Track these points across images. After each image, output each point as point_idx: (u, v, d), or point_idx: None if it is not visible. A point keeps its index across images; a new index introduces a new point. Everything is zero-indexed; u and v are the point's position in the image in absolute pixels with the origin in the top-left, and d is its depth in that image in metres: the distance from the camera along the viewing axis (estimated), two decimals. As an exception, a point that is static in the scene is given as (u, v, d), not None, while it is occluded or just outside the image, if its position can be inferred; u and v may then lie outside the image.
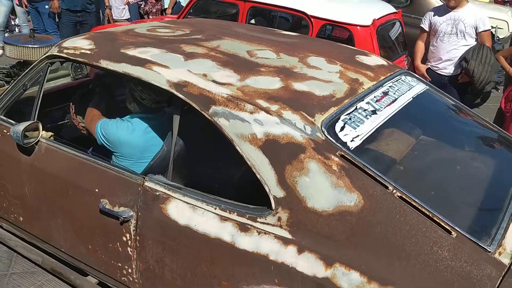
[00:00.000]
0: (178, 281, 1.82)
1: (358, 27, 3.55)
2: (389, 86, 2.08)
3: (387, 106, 1.92)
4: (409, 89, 2.14)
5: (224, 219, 1.68)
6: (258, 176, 1.63)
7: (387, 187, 1.51)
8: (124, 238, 1.88)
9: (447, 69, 3.81)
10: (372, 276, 1.44)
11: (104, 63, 1.91)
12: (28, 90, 2.19)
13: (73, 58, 2.00)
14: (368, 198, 1.51)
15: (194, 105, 1.73)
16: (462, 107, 2.39)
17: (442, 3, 4.61)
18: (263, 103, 1.68)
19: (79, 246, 2.09)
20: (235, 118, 1.67)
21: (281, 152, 1.61)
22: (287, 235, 1.58)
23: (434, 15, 3.83)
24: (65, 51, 2.02)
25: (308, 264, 1.52)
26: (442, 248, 1.42)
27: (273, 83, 1.81)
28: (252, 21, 4.55)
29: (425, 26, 3.90)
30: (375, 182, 1.52)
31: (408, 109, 2.00)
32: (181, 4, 6.66)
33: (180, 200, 1.76)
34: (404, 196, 1.50)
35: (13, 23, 6.86)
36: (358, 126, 1.73)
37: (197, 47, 2.06)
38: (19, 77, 2.14)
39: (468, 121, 2.33)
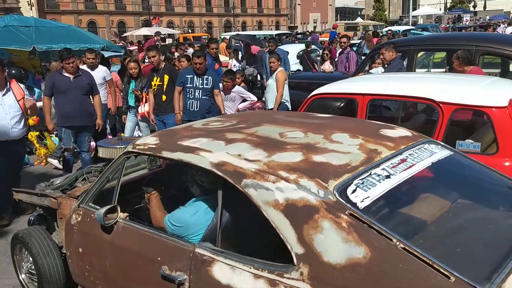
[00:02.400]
0: (224, 336, 2.05)
1: (493, 108, 3.34)
2: (409, 154, 2.30)
3: (402, 171, 2.14)
4: (430, 155, 2.34)
5: (257, 276, 1.94)
6: (282, 236, 1.91)
7: (391, 240, 1.71)
8: (180, 299, 2.20)
9: None
10: (380, 320, 1.59)
11: (164, 153, 2.42)
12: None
13: (143, 152, 2.54)
14: (374, 250, 1.71)
15: (229, 179, 2.11)
16: (485, 169, 2.49)
17: None
18: (283, 173, 2.02)
19: (148, 310, 2.43)
20: (261, 188, 2.01)
21: (299, 214, 1.89)
22: (309, 287, 1.80)
23: None
24: (137, 147, 2.57)
25: (327, 312, 1.71)
26: (441, 291, 1.55)
27: (295, 157, 2.14)
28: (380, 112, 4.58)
29: None
30: (381, 236, 1.73)
31: (426, 173, 2.19)
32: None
33: (223, 262, 2.07)
34: (406, 247, 1.68)
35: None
36: (370, 189, 1.97)
37: (238, 133, 2.50)
38: (103, 172, 2.72)
39: (488, 181, 2.42)
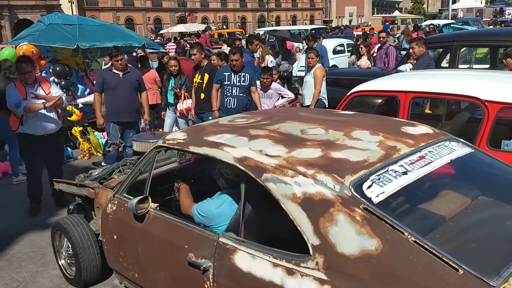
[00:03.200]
0: (245, 320, 2.19)
1: None
2: (428, 151, 2.35)
3: (420, 168, 2.19)
4: (449, 152, 2.38)
5: (276, 265, 2.06)
6: (299, 228, 2.01)
7: (403, 233, 1.78)
8: (206, 285, 2.34)
9: None
10: (389, 309, 1.67)
11: (191, 148, 2.57)
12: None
13: (172, 146, 2.70)
14: (386, 242, 1.79)
15: (251, 174, 2.23)
16: (506, 167, 2.49)
17: None
18: (302, 168, 2.12)
19: (176, 295, 2.60)
20: (280, 182, 2.12)
21: (315, 207, 1.99)
22: (323, 276, 1.90)
23: None
24: (167, 142, 2.74)
25: (339, 301, 1.80)
26: (449, 283, 1.61)
27: (314, 153, 2.24)
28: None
29: None
30: (393, 229, 1.80)
31: (444, 169, 2.24)
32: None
33: (244, 251, 2.20)
34: (418, 241, 1.75)
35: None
36: (386, 184, 2.04)
37: (261, 130, 2.61)
38: (136, 164, 2.91)
39: (508, 178, 2.43)
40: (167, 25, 47.66)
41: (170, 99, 6.74)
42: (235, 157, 2.33)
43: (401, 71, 6.59)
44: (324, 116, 3.02)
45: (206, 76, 6.10)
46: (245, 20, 60.18)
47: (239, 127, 2.73)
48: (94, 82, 6.26)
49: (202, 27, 31.16)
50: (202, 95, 6.11)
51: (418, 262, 1.71)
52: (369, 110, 4.96)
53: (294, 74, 11.24)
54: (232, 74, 5.69)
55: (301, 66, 10.57)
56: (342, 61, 13.33)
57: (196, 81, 6.22)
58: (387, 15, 44.21)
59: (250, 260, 2.15)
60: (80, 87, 7.93)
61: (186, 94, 6.56)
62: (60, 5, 41.05)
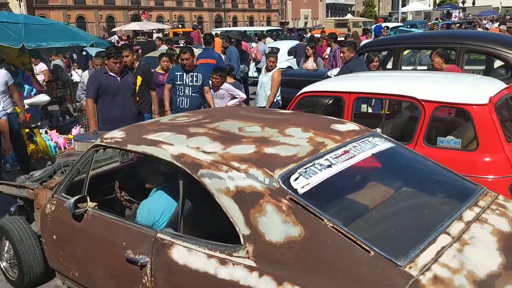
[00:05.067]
0: (182, 312, 2.27)
1: (474, 106, 3.45)
2: (353, 146, 2.52)
3: (343, 161, 2.36)
4: (372, 147, 2.57)
5: (210, 256, 2.16)
6: (231, 220, 2.12)
7: (323, 220, 1.93)
8: (144, 280, 2.40)
9: None
10: (309, 290, 1.82)
11: (129, 146, 2.62)
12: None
13: (110, 145, 2.74)
14: (308, 229, 1.94)
15: (187, 170, 2.32)
16: (425, 160, 2.72)
17: None
18: (235, 164, 2.23)
19: (116, 292, 2.64)
20: (215, 177, 2.22)
21: (247, 199, 2.11)
22: (253, 264, 2.02)
23: None
24: (105, 141, 2.77)
25: (265, 285, 1.93)
26: (362, 264, 1.78)
27: (248, 149, 2.36)
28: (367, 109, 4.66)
29: None
30: (314, 216, 1.95)
31: (365, 162, 2.42)
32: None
33: (181, 245, 2.28)
34: (335, 226, 1.90)
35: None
36: (311, 176, 2.19)
37: (200, 128, 2.71)
38: (74, 164, 2.92)
39: (423, 170, 2.67)
40: (120, 23, 46.58)
41: None
42: (173, 155, 2.41)
43: (329, 76, 6.89)
44: (264, 115, 3.15)
45: (139, 79, 5.86)
46: (202, 20, 59.81)
47: (179, 126, 2.81)
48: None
49: (156, 26, 30.78)
50: (137, 98, 5.76)
51: (335, 245, 1.86)
52: (317, 110, 5.16)
53: (250, 74, 11.40)
54: (184, 74, 5.71)
55: (255, 67, 10.76)
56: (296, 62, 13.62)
57: None
58: (340, 18, 45.44)
59: (186, 253, 2.24)
60: (26, 87, 7.71)
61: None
62: (8, 3, 39.24)
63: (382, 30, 17.01)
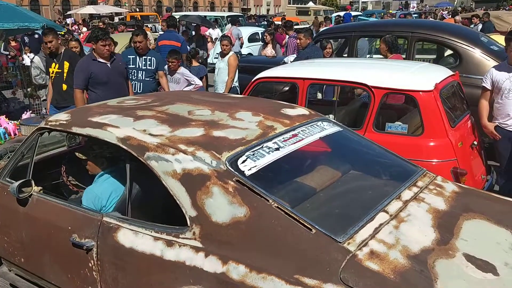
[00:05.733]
0: (128, 295, 2.27)
1: (421, 92, 3.58)
2: (301, 130, 2.57)
3: (291, 144, 2.40)
4: (320, 131, 2.62)
5: (156, 239, 2.15)
6: (178, 202, 2.12)
7: (268, 200, 1.97)
8: (90, 264, 2.37)
9: None
10: (253, 267, 1.86)
11: (74, 129, 2.56)
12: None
13: (54, 128, 2.66)
14: (253, 209, 1.97)
15: (133, 153, 2.29)
16: (370, 144, 2.82)
17: (491, 59, 4.89)
18: (183, 146, 2.22)
19: (62, 276, 2.59)
20: (162, 160, 2.21)
21: (193, 182, 2.11)
22: (198, 245, 2.03)
23: (496, 74, 3.97)
24: (49, 123, 2.69)
25: (211, 264, 1.95)
26: (303, 241, 1.84)
27: (196, 132, 2.35)
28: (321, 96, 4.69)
29: (487, 84, 4.03)
30: (260, 197, 1.98)
31: (313, 145, 2.48)
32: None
33: (127, 228, 2.26)
34: (280, 206, 1.94)
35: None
36: (258, 159, 2.22)
37: (149, 111, 2.67)
38: (18, 147, 2.82)
39: (368, 153, 2.77)
40: (76, 6, 44.63)
41: None
42: (118, 137, 2.37)
43: (285, 62, 6.95)
44: (215, 99, 3.15)
45: (66, 64, 5.41)
46: (161, 4, 58.36)
47: (126, 108, 2.76)
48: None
49: (114, 9, 29.81)
50: (65, 86, 5.38)
51: (278, 224, 1.91)
52: (273, 96, 5.19)
53: (209, 61, 11.28)
54: (137, 57, 5.54)
55: (217, 53, 10.66)
56: (256, 49, 13.64)
57: (53, 71, 5.47)
58: (301, 5, 45.65)
59: (132, 236, 2.23)
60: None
61: None
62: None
63: (351, 18, 17.19)
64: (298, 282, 1.76)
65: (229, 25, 13.35)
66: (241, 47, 12.53)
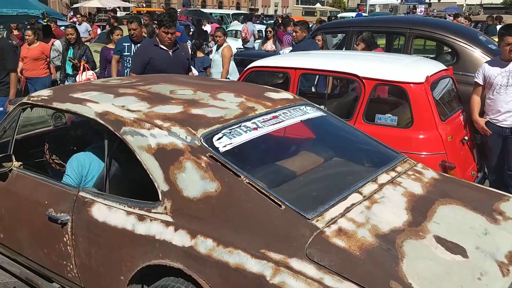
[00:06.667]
0: (101, 269, 2.26)
1: (411, 84, 3.52)
2: (282, 112, 2.55)
3: (270, 125, 2.39)
4: (302, 114, 2.60)
5: (129, 213, 2.14)
6: (151, 177, 2.11)
7: (240, 176, 1.95)
8: (65, 239, 2.37)
9: (507, 121, 3.88)
10: (220, 241, 1.85)
11: (55, 104, 2.55)
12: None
13: (36, 103, 2.66)
14: (225, 185, 1.95)
15: (110, 127, 2.28)
16: (352, 129, 2.80)
17: (489, 58, 4.75)
18: (159, 122, 2.21)
19: (38, 251, 2.59)
20: (137, 134, 2.20)
21: (167, 157, 2.10)
22: (169, 219, 2.02)
23: (488, 69, 3.95)
24: (31, 99, 2.69)
25: (180, 238, 1.94)
26: (272, 216, 1.82)
27: (175, 109, 2.34)
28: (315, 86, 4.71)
29: (479, 80, 4.01)
30: (232, 173, 1.97)
31: (292, 127, 2.46)
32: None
33: (101, 203, 2.26)
34: (251, 182, 1.93)
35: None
36: (235, 137, 2.20)
37: (131, 89, 2.66)
38: (0, 123, 2.82)
39: (350, 139, 2.75)
40: (85, 0, 44.92)
41: (69, 70, 6.47)
42: (97, 112, 2.36)
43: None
44: (200, 81, 3.14)
45: None
46: (170, 1, 58.51)
47: (110, 86, 2.75)
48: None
49: (120, 3, 29.88)
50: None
51: (249, 200, 1.89)
52: (265, 85, 5.18)
53: (211, 57, 11.26)
54: (132, 45, 5.54)
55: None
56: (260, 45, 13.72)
57: None
58: (308, 6, 45.62)
59: (106, 211, 2.22)
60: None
61: (86, 65, 6.34)
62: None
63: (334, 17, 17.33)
64: (264, 256, 1.74)
65: (234, 22, 13.46)
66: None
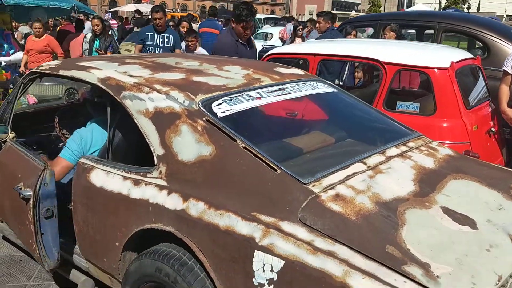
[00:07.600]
0: (97, 235, 2.21)
1: (435, 69, 3.36)
2: (290, 86, 2.45)
3: (275, 96, 2.29)
4: (311, 89, 2.50)
5: (125, 178, 2.09)
6: (148, 141, 2.06)
7: (236, 140, 1.87)
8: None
9: None
10: (212, 204, 1.76)
11: (61, 72, 2.54)
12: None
13: (43, 71, 2.65)
14: (220, 148, 1.87)
15: (111, 92, 2.25)
16: (363, 106, 2.67)
17: None
18: (158, 86, 2.16)
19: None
20: (136, 98, 2.15)
21: (164, 120, 2.04)
22: (163, 183, 1.95)
23: None
24: (40, 68, 2.69)
25: (172, 202, 1.87)
26: (267, 180, 1.73)
27: (176, 76, 2.29)
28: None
29: (508, 68, 3.80)
30: (227, 137, 1.89)
31: (298, 100, 2.36)
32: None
33: (100, 169, 2.22)
34: (247, 147, 1.84)
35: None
36: (236, 104, 2.12)
37: (138, 60, 2.63)
38: (11, 93, 2.83)
39: (362, 116, 2.61)
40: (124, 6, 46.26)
41: None
42: (99, 78, 2.33)
43: None
44: (212, 57, 3.08)
45: None
46: (205, 10, 59.44)
47: (117, 58, 2.74)
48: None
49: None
50: None
51: (243, 163, 1.80)
52: None
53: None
54: (155, 34, 5.57)
55: None
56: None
57: None
58: (341, 12, 45.25)
59: (104, 176, 2.17)
60: (5, 45, 7.61)
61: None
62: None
63: None
64: (254, 219, 1.64)
65: (266, 25, 13.58)
66: None
